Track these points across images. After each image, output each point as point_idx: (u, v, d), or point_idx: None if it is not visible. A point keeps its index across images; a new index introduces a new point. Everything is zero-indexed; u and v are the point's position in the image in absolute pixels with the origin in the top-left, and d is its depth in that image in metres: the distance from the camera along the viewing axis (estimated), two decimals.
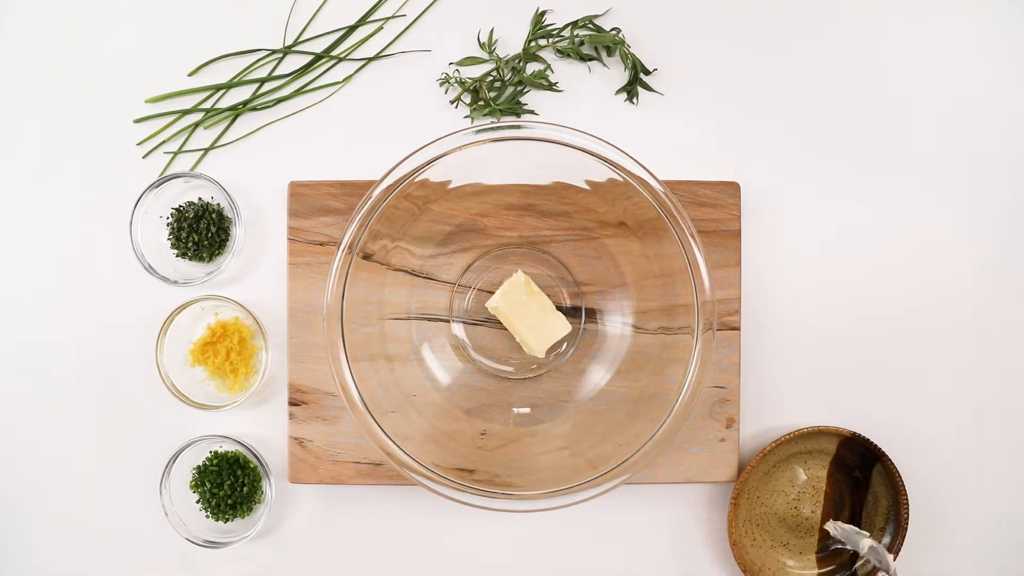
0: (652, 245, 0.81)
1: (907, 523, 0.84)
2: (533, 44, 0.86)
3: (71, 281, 0.86)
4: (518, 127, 0.76)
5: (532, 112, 0.87)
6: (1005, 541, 0.88)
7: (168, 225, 0.85)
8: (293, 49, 0.87)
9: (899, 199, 0.88)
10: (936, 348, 0.87)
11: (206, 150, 0.86)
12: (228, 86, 0.86)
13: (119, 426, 0.86)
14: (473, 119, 0.86)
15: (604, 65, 0.87)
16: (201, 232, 0.84)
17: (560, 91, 0.87)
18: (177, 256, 0.86)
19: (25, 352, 0.87)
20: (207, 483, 0.84)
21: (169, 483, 0.83)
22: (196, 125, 0.86)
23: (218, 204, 0.85)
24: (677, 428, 0.77)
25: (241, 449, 0.84)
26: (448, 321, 0.85)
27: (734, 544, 0.84)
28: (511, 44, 0.87)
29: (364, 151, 0.86)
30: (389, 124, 0.87)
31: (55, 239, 0.86)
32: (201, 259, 0.85)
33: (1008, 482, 0.88)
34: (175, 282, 0.84)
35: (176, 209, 0.85)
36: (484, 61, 0.86)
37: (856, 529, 0.82)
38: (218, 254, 0.86)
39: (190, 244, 0.84)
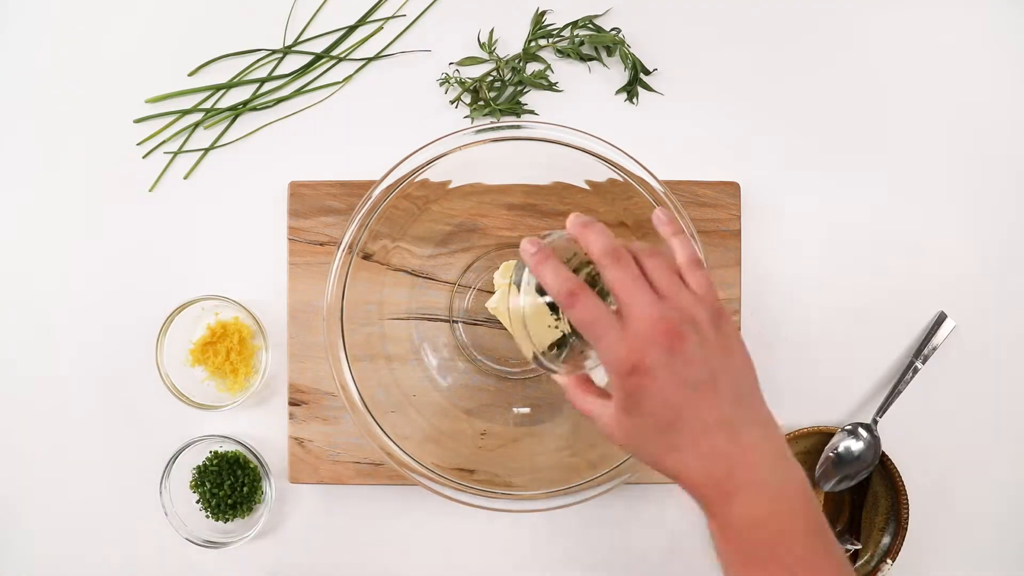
0: (652, 245, 0.81)
1: (907, 523, 0.84)
2: (533, 44, 0.86)
3: (70, 281, 0.86)
4: (518, 127, 0.76)
5: (532, 112, 0.87)
6: (1005, 541, 0.88)
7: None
8: (293, 49, 0.87)
9: (899, 199, 0.88)
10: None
11: (206, 150, 0.86)
12: (228, 86, 0.86)
13: (119, 426, 0.86)
14: (473, 119, 0.86)
15: (604, 65, 0.87)
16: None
17: (560, 91, 0.87)
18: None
19: (24, 352, 0.87)
20: (207, 483, 0.84)
21: (169, 483, 0.83)
22: (196, 125, 0.86)
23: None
24: None
25: (241, 449, 0.84)
26: (448, 321, 0.85)
27: None
28: (511, 44, 0.87)
29: (364, 151, 0.86)
30: (389, 124, 0.87)
31: (55, 239, 0.86)
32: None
33: (1009, 482, 0.88)
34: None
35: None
36: (484, 61, 0.86)
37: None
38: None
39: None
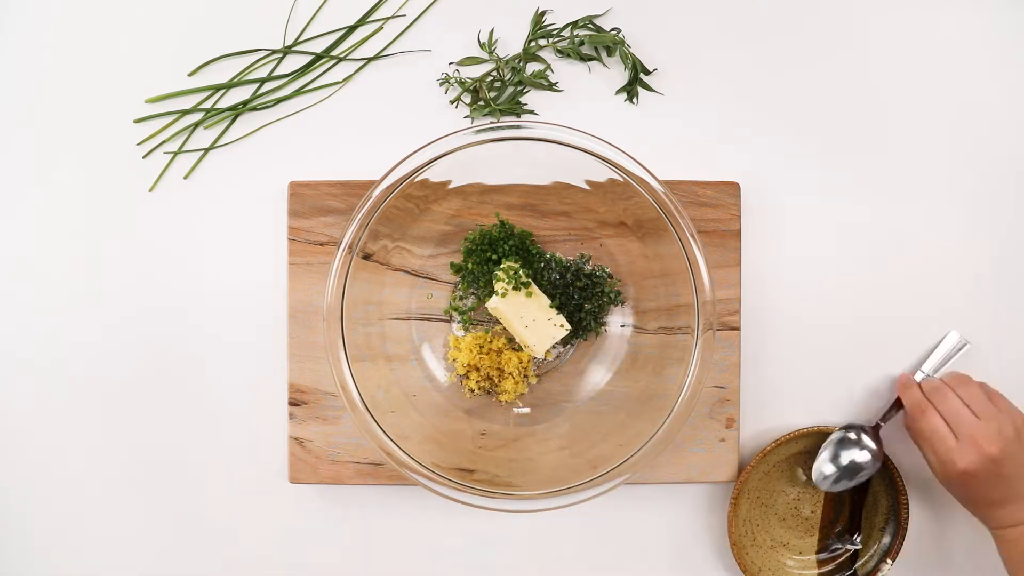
0: (652, 245, 0.81)
1: (907, 523, 0.84)
2: (533, 44, 0.86)
3: (70, 280, 0.86)
4: (518, 127, 0.76)
5: (532, 112, 0.87)
6: None
7: None
8: (293, 49, 0.87)
9: (899, 199, 0.88)
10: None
11: (206, 150, 0.86)
12: (228, 86, 0.86)
13: (117, 425, 0.86)
14: (473, 119, 0.86)
15: (604, 65, 0.87)
16: None
17: (560, 91, 0.87)
18: None
19: (24, 350, 0.87)
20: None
21: None
22: (196, 125, 0.86)
23: None
24: (677, 428, 0.77)
25: None
26: (448, 321, 0.85)
27: (734, 544, 0.84)
28: (511, 44, 0.87)
29: (364, 151, 0.86)
30: (389, 124, 0.87)
31: (55, 239, 0.86)
32: None
33: None
34: None
35: None
36: (484, 61, 0.86)
37: None
38: None
39: None
